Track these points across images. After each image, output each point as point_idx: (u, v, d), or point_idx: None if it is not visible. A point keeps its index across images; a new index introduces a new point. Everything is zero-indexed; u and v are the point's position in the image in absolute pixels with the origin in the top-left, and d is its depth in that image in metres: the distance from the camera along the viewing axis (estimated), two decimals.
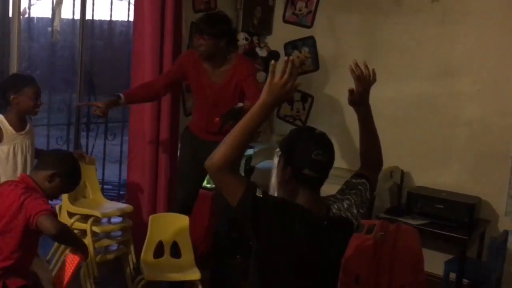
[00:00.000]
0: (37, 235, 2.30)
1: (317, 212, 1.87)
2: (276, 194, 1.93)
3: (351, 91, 2.03)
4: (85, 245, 2.46)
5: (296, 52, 4.63)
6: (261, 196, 1.74)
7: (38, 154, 2.80)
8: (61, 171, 2.33)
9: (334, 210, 1.94)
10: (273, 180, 1.94)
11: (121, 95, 3.24)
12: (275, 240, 1.78)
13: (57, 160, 2.38)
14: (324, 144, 1.87)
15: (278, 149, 1.92)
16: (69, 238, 2.37)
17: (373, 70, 2.03)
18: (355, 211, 1.95)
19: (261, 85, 3.32)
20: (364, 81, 2.02)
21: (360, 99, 2.03)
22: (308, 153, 1.81)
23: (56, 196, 2.45)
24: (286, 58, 1.74)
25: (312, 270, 1.83)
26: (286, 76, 1.67)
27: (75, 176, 2.44)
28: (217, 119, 2.84)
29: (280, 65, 1.68)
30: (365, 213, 3.44)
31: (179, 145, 3.61)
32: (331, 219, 1.91)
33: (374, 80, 2.04)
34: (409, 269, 2.46)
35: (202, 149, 3.38)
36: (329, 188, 4.04)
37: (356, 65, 2.02)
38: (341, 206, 1.95)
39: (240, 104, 2.96)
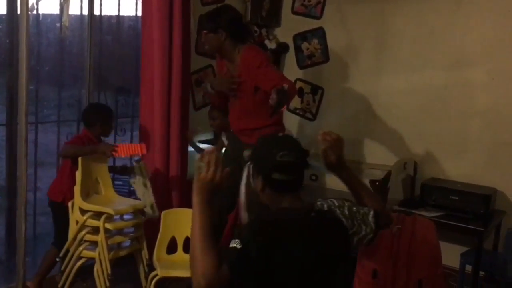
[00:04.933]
0: None
1: (300, 208, 1.80)
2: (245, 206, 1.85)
3: (324, 154, 1.92)
4: (94, 149, 3.20)
5: (305, 44, 4.58)
6: (240, 246, 1.60)
7: None
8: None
9: (322, 207, 1.83)
10: (242, 193, 1.87)
11: None
12: (276, 264, 1.64)
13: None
14: (288, 144, 1.80)
15: (249, 162, 1.88)
16: (75, 155, 3.14)
17: (338, 136, 1.92)
18: (346, 211, 1.82)
19: (273, 68, 3.25)
20: (333, 147, 1.91)
21: (337, 163, 1.92)
22: (272, 156, 1.74)
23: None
24: (205, 151, 1.73)
25: (315, 275, 1.71)
26: (211, 169, 1.65)
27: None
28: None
29: (204, 159, 1.68)
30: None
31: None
32: (319, 211, 1.80)
33: (341, 143, 1.92)
34: (427, 263, 2.43)
35: (237, 148, 3.34)
36: (337, 181, 4.02)
37: (324, 136, 1.92)
38: (332, 203, 1.84)
39: (286, 86, 2.77)
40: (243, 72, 3.19)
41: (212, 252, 1.57)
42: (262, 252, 1.60)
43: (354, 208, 1.84)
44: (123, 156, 3.34)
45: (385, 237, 2.51)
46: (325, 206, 1.82)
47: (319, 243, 1.73)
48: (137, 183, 3.39)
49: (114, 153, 3.21)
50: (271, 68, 3.19)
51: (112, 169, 3.63)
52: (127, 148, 3.30)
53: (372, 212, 1.85)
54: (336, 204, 1.83)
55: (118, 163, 3.82)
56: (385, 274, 2.45)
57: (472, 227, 3.42)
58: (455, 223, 3.48)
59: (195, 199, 1.66)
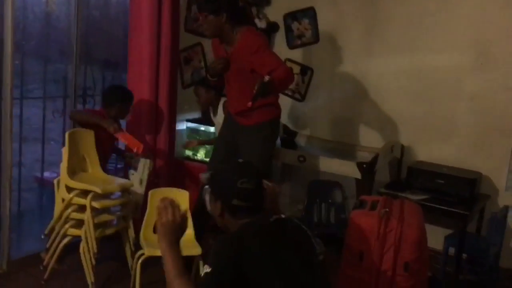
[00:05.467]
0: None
1: (259, 218, 1.85)
2: None
3: None
4: (99, 120, 3.27)
5: (296, 24, 4.54)
6: (210, 269, 1.65)
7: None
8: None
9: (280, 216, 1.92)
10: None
11: None
12: (254, 274, 1.67)
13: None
14: (248, 172, 1.87)
15: (207, 186, 1.93)
16: (81, 121, 3.32)
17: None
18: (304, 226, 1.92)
19: (271, 53, 3.19)
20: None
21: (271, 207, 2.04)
22: (233, 182, 1.81)
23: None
24: (159, 199, 1.86)
25: (289, 269, 1.73)
26: (169, 213, 1.80)
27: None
28: (249, 103, 2.68)
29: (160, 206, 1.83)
30: (365, 189, 3.40)
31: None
32: (278, 218, 1.87)
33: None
34: (414, 246, 2.45)
35: (233, 130, 3.33)
36: (328, 162, 4.01)
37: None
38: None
39: (267, 77, 2.75)
40: (240, 55, 3.12)
41: (187, 283, 1.69)
42: (231, 267, 1.64)
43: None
44: (121, 140, 3.37)
45: (372, 219, 2.52)
46: (283, 216, 1.91)
47: (285, 243, 1.78)
48: (135, 176, 3.39)
49: (115, 133, 3.26)
50: (268, 53, 3.11)
51: (118, 152, 3.65)
52: (128, 138, 3.34)
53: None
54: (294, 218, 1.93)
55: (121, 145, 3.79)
56: (372, 256, 2.47)
57: (457, 210, 3.46)
58: (440, 207, 3.51)
59: (162, 244, 1.78)
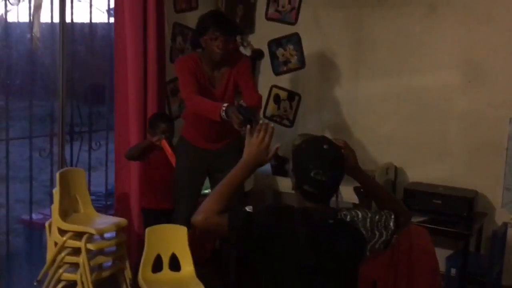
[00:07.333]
0: None
1: (322, 211, 1.83)
2: None
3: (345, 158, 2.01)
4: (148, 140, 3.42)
5: (280, 50, 4.53)
6: (251, 210, 1.74)
7: None
8: None
9: (345, 217, 1.86)
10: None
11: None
12: (275, 248, 1.74)
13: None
14: (326, 162, 1.81)
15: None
16: (135, 152, 3.45)
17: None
18: (368, 224, 1.86)
19: (254, 81, 3.27)
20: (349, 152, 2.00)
21: (355, 167, 1.98)
22: (307, 171, 1.79)
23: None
24: (261, 122, 1.88)
25: (318, 275, 1.76)
26: (261, 135, 1.80)
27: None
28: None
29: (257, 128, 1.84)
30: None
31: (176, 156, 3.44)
32: (339, 220, 1.84)
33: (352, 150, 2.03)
34: (427, 273, 2.39)
35: (200, 158, 3.23)
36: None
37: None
38: (355, 215, 1.86)
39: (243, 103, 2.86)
40: (231, 77, 3.13)
41: (224, 201, 1.74)
42: (265, 228, 1.71)
43: (377, 217, 1.88)
44: (164, 148, 3.36)
45: None
46: (348, 217, 1.86)
47: (325, 249, 1.77)
48: None
49: (159, 142, 3.35)
50: (251, 77, 3.31)
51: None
52: (170, 151, 3.37)
53: (393, 216, 1.91)
54: (360, 216, 1.86)
55: None
56: (385, 285, 2.41)
57: (457, 230, 3.43)
58: (440, 227, 3.47)
59: (242, 158, 1.81)
